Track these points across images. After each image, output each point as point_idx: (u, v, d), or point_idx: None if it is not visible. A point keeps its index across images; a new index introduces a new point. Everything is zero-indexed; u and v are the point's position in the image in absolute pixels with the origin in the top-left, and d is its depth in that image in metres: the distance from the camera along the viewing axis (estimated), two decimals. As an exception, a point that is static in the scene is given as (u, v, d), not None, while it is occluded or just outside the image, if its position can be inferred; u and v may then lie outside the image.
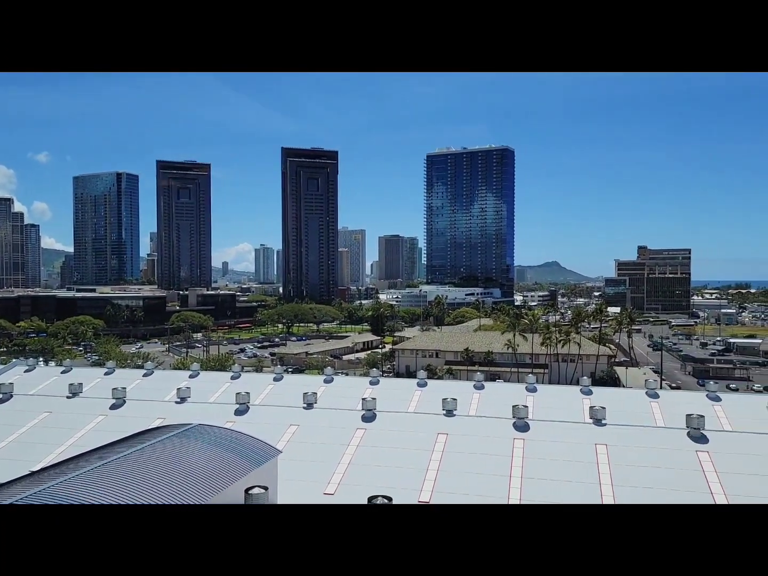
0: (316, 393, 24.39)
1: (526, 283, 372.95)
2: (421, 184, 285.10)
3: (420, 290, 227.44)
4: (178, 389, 25.39)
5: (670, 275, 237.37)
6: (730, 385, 77.85)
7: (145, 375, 30.07)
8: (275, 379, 29.13)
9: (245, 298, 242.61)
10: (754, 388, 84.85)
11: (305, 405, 23.50)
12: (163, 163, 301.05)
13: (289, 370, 77.04)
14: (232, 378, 29.46)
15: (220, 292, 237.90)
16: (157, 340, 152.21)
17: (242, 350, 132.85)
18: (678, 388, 73.02)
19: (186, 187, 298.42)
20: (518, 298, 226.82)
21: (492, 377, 61.29)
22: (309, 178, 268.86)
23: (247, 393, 24.16)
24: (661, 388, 39.69)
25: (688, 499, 16.10)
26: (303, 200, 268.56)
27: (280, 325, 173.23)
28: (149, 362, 38.25)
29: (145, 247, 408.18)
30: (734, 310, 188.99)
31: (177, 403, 24.78)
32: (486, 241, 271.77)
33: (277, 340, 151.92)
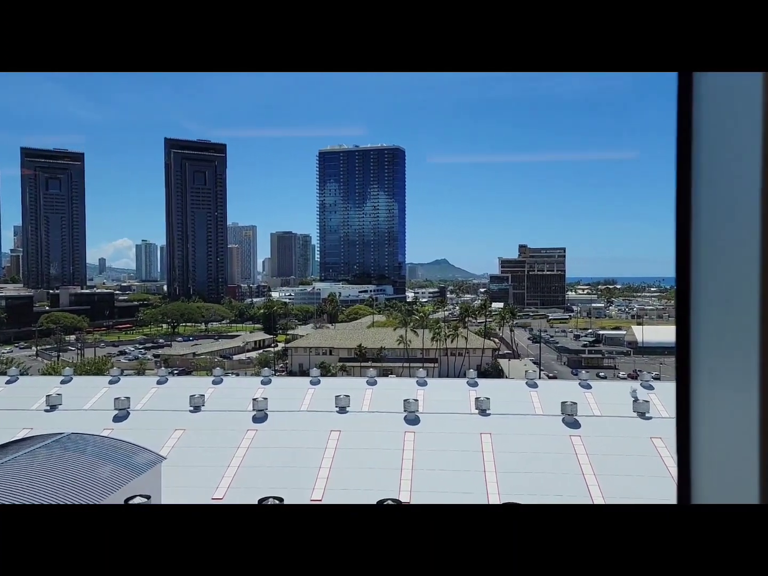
0: (203, 395, 23.45)
1: (417, 280, 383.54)
2: (314, 181, 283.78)
3: (313, 288, 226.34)
4: (48, 396, 23.32)
5: (548, 272, 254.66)
6: (600, 374, 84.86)
7: (8, 382, 27.30)
8: (159, 383, 27.63)
9: (125, 297, 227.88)
10: (620, 375, 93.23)
11: (192, 408, 22.52)
12: (28, 150, 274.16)
13: (175, 372, 73.38)
14: (111, 382, 27.55)
15: (97, 291, 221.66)
16: (23, 343, 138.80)
17: (122, 352, 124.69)
18: (555, 377, 78.56)
19: (56, 177, 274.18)
20: (410, 295, 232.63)
21: (385, 373, 62.37)
22: (195, 171, 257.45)
23: (127, 398, 22.71)
24: (539, 378, 42.51)
25: (563, 481, 17.36)
26: (189, 194, 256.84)
27: (164, 326, 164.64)
28: (13, 368, 34.73)
29: (8, 242, 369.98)
30: (603, 305, 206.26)
31: (46, 411, 22.75)
32: (378, 239, 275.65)
33: (161, 341, 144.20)
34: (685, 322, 1.23)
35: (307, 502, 16.04)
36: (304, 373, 65.81)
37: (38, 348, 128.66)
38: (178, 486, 15.94)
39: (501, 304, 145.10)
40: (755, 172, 1.00)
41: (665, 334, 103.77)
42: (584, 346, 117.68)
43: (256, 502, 11.52)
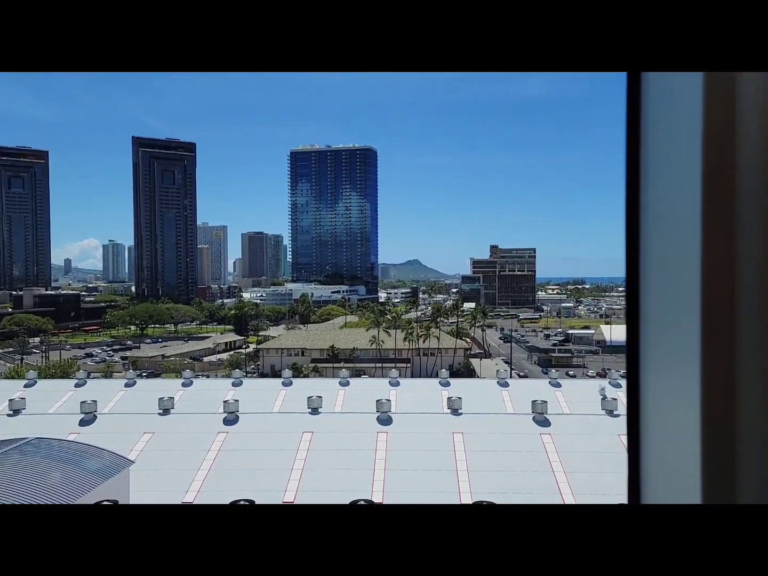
0: (173, 398, 23.10)
1: (389, 280, 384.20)
2: (285, 181, 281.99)
3: (285, 288, 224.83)
4: (11, 401, 22.68)
5: (519, 272, 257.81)
6: (569, 372, 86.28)
7: (-32, 387, 26.47)
8: (127, 385, 27.10)
9: (92, 299, 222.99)
10: (589, 374, 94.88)
11: (161, 411, 22.16)
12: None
13: (144, 374, 72.12)
14: (77, 385, 26.91)
15: (62, 292, 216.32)
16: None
17: (89, 355, 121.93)
18: (525, 376, 79.53)
19: (19, 175, 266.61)
20: (382, 295, 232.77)
21: (357, 373, 62.31)
22: (164, 170, 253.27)
23: (94, 401, 22.23)
24: (510, 377, 43.00)
25: (534, 479, 17.59)
26: (158, 194, 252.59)
27: (132, 327, 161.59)
28: (-26, 372, 33.70)
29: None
30: (572, 304, 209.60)
31: (9, 415, 22.13)
32: (351, 239, 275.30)
33: (129, 343, 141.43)
34: (634, 323, 1.24)
35: (279, 503, 15.93)
36: (276, 374, 65.35)
37: (0, 351, 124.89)
38: (147, 490, 15.66)
39: (473, 304, 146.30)
40: (696, 172, 1.01)
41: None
42: (554, 345, 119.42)
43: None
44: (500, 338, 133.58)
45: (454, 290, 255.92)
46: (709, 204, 0.99)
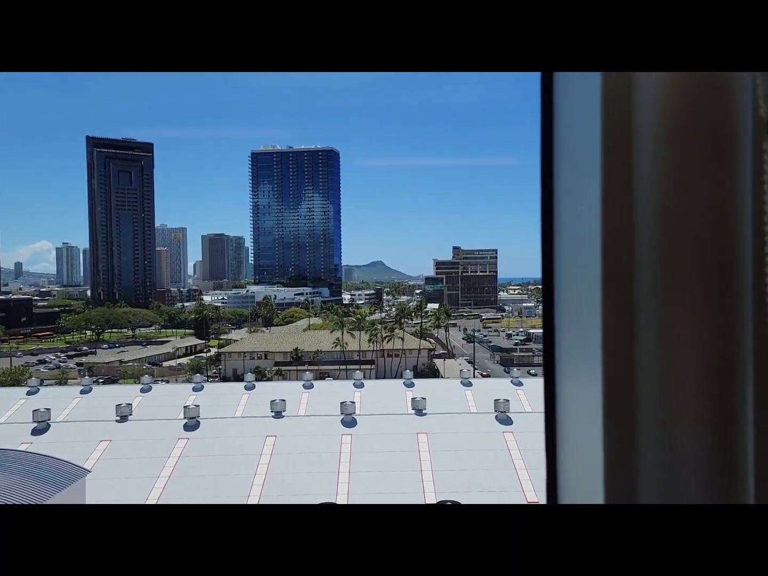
0: (131, 404, 22.51)
1: (353, 282, 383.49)
2: (247, 183, 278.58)
3: (247, 291, 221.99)
4: (-43, 411, 21.71)
5: (481, 273, 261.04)
6: (530, 371, 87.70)
7: None
8: (83, 392, 26.31)
9: (45, 303, 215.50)
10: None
11: (118, 418, 21.57)
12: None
13: (100, 381, 70.09)
14: (29, 393, 25.97)
15: (12, 297, 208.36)
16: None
17: (42, 361, 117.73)
18: (488, 376, 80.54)
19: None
20: (346, 297, 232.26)
21: (322, 376, 61.97)
22: (120, 171, 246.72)
23: (48, 409, 21.47)
24: (474, 377, 43.48)
25: (497, 477, 17.79)
26: (114, 195, 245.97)
27: (88, 332, 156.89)
28: None
29: None
30: (533, 304, 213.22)
31: (-45, 427, 21.18)
32: (314, 241, 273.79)
33: (85, 348, 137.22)
34: (549, 326, 1.25)
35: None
36: (238, 378, 64.39)
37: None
38: (104, 500, 15.20)
39: (436, 305, 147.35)
40: (596, 174, 1.01)
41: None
42: (516, 344, 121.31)
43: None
44: (463, 338, 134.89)
45: (418, 291, 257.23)
46: (608, 206, 1.00)
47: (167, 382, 64.80)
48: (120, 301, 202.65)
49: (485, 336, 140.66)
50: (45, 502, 11.85)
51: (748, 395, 0.95)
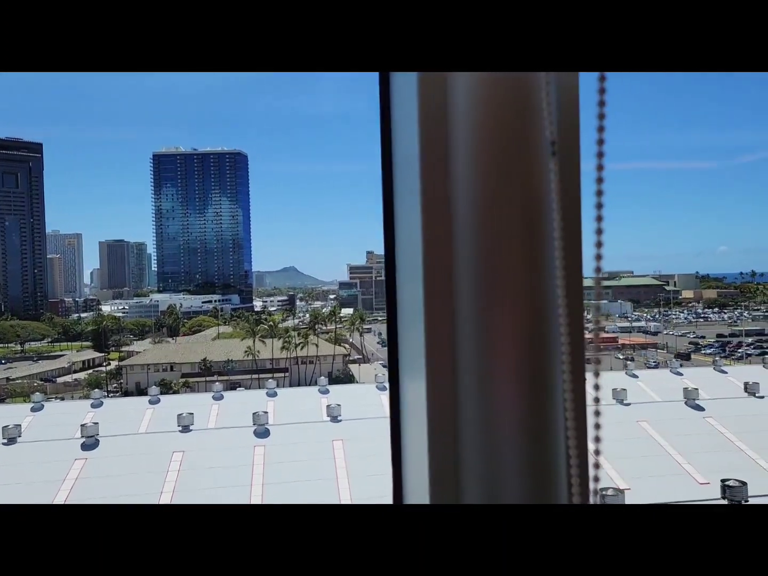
0: (19, 425, 20.64)
1: (265, 288, 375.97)
2: (148, 186, 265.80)
3: (150, 299, 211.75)
4: None
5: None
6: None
7: None
8: (-39, 415, 23.81)
9: None
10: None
11: (5, 440, 19.69)
12: None
13: (-16, 401, 64.21)
14: None
15: None
16: None
17: None
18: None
19: None
20: (258, 304, 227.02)
21: (233, 386, 60.07)
22: (5, 172, 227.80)
23: None
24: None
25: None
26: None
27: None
28: None
29: None
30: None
31: None
32: (222, 247, 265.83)
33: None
34: (393, 327, 1.25)
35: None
36: (141, 392, 61.03)
37: None
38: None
39: (351, 310, 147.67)
40: (415, 174, 1.03)
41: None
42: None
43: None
44: (378, 342, 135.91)
45: (332, 296, 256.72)
46: (427, 203, 1.01)
47: (62, 399, 60.33)
48: (6, 313, 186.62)
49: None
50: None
51: (558, 397, 0.98)
